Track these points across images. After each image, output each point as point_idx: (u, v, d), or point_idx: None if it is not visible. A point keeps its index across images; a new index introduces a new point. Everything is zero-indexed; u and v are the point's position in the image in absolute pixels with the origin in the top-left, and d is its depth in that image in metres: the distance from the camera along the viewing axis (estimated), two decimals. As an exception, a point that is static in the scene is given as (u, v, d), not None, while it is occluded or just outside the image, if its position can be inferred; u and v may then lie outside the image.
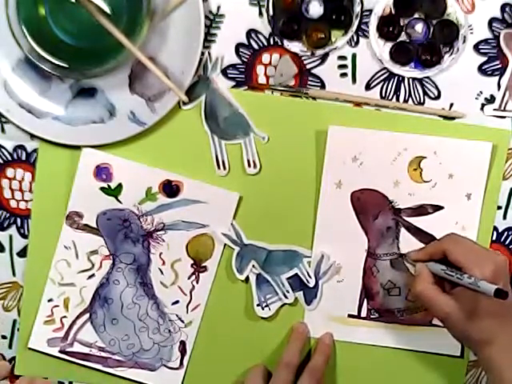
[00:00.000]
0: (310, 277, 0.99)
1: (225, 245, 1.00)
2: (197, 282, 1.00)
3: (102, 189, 0.99)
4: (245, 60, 0.97)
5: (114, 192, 0.99)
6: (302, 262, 0.99)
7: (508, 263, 0.89)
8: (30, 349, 1.01)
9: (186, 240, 1.00)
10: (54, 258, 1.00)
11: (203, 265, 1.00)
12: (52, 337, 1.01)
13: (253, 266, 0.99)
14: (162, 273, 1.00)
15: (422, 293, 0.90)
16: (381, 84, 0.98)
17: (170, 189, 0.99)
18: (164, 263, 1.00)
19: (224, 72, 0.97)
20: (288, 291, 0.99)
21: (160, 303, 1.00)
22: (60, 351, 1.01)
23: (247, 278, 1.00)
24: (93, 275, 1.00)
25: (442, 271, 0.90)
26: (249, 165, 0.98)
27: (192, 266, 1.00)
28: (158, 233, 1.00)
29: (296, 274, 0.99)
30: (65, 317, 1.01)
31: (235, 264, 0.99)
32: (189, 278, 1.00)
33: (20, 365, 1.02)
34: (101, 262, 1.00)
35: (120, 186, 0.99)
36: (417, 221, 0.98)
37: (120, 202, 0.99)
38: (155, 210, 0.99)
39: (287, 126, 0.98)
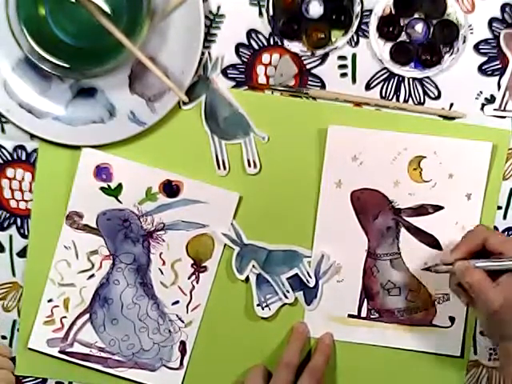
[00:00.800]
0: (310, 277, 0.99)
1: (225, 245, 0.99)
2: (197, 282, 1.00)
3: (102, 189, 0.99)
4: (245, 60, 0.97)
5: (114, 192, 0.99)
6: (302, 261, 0.99)
7: None
8: (29, 349, 1.01)
9: (186, 240, 0.99)
10: (53, 258, 0.99)
11: (203, 265, 1.00)
12: (52, 337, 1.00)
13: (253, 266, 0.99)
14: (162, 273, 1.00)
15: (474, 284, 0.88)
16: (381, 84, 0.97)
17: (170, 189, 0.98)
18: (164, 263, 1.00)
19: (224, 72, 0.97)
20: (288, 291, 0.99)
21: (160, 303, 1.00)
22: (60, 351, 1.00)
23: (247, 278, 0.99)
24: (93, 275, 1.00)
25: (485, 262, 0.89)
26: (249, 165, 0.98)
27: (192, 266, 1.00)
28: (158, 233, 0.99)
29: (296, 274, 0.99)
30: (65, 317, 1.00)
31: (235, 264, 0.99)
32: (189, 278, 1.00)
33: (20, 365, 1.02)
34: (101, 262, 1.00)
35: (120, 186, 0.99)
36: (417, 221, 0.98)
37: (120, 202, 0.99)
38: (155, 210, 0.99)
39: (287, 126, 0.98)
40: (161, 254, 1.00)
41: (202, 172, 0.98)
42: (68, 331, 1.00)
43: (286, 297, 0.99)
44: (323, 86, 0.97)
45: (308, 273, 0.99)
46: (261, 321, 1.00)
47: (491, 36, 0.96)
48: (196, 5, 0.93)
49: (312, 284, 0.99)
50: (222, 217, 0.99)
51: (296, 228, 0.99)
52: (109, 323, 1.00)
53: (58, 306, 1.00)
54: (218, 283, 1.00)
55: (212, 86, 0.97)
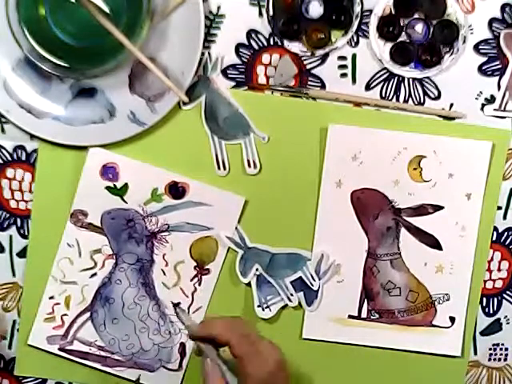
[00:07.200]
0: (313, 280, 0.97)
1: (228, 248, 0.97)
2: (199, 285, 0.98)
3: (108, 188, 0.97)
4: (245, 60, 0.96)
5: (120, 192, 0.97)
6: (306, 264, 0.97)
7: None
8: (29, 345, 0.98)
9: (190, 242, 0.98)
10: (56, 255, 0.98)
11: (206, 267, 0.98)
12: (52, 334, 0.98)
13: (256, 269, 0.97)
14: (164, 274, 0.98)
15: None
16: (381, 84, 0.96)
17: (176, 190, 0.97)
18: (167, 264, 0.98)
19: (224, 72, 0.96)
20: (292, 294, 0.97)
21: (161, 304, 0.98)
22: (59, 349, 0.99)
23: (247, 279, 0.99)
24: (95, 274, 0.98)
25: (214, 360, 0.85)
26: (249, 165, 0.96)
27: (195, 268, 0.98)
28: (162, 234, 0.98)
29: (299, 277, 0.97)
30: (65, 315, 0.98)
31: (239, 267, 0.97)
32: (191, 280, 0.98)
33: (20, 365, 1.00)
34: (103, 261, 0.98)
35: (126, 185, 0.97)
36: (417, 221, 0.97)
37: (125, 201, 0.97)
38: (160, 211, 0.97)
39: (287, 127, 0.96)
40: (164, 255, 0.98)
41: (201, 172, 0.96)
42: (68, 329, 0.99)
43: (290, 300, 0.98)
44: (323, 86, 0.96)
45: (312, 276, 0.97)
46: (261, 322, 0.98)
47: (491, 36, 0.95)
48: (196, 5, 0.92)
49: (316, 287, 0.97)
50: (226, 220, 0.97)
51: (298, 231, 0.98)
52: (109, 322, 0.98)
53: (58, 304, 0.98)
54: (220, 286, 0.98)
55: (212, 86, 0.96)
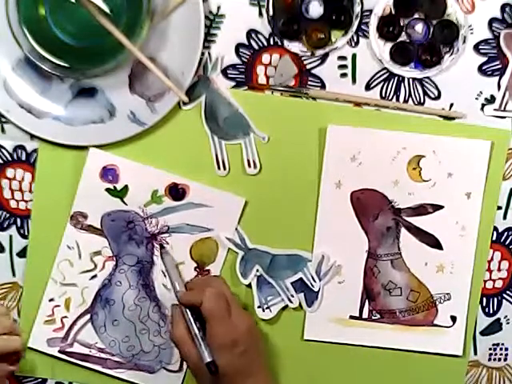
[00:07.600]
0: (314, 281, 0.96)
1: (228, 249, 0.97)
2: None
3: (108, 190, 0.96)
4: (245, 60, 0.95)
5: (120, 193, 0.96)
6: (307, 266, 0.96)
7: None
8: (29, 348, 0.98)
9: (190, 243, 0.97)
10: (56, 257, 0.97)
11: (206, 268, 0.97)
12: (52, 337, 0.98)
13: (257, 270, 0.96)
14: (164, 275, 0.97)
15: (176, 339, 0.91)
16: (381, 84, 0.95)
17: (176, 192, 0.96)
18: None
19: (224, 72, 0.95)
20: (293, 295, 0.97)
21: (162, 306, 0.98)
22: (60, 351, 0.98)
23: (248, 280, 0.98)
24: (95, 276, 0.98)
25: (189, 321, 0.91)
26: (249, 165, 0.96)
27: (195, 269, 0.97)
28: (163, 235, 0.97)
29: (300, 278, 0.97)
30: (65, 317, 0.98)
31: (239, 268, 0.97)
32: None
33: (20, 365, 0.97)
34: (104, 263, 0.98)
35: (126, 187, 0.96)
36: (417, 220, 0.96)
37: (125, 203, 0.97)
38: (160, 213, 0.97)
39: (287, 126, 0.95)
40: (164, 256, 0.98)
41: (201, 172, 0.96)
42: (68, 331, 0.98)
43: (291, 301, 0.97)
44: (323, 86, 0.95)
45: (312, 277, 0.96)
46: (261, 323, 0.97)
47: (491, 36, 0.95)
48: (196, 5, 0.91)
49: (317, 288, 0.96)
50: (226, 221, 0.96)
51: (298, 231, 0.97)
52: (109, 324, 0.98)
53: (59, 306, 0.98)
54: (219, 287, 0.98)
55: (212, 86, 0.95)
